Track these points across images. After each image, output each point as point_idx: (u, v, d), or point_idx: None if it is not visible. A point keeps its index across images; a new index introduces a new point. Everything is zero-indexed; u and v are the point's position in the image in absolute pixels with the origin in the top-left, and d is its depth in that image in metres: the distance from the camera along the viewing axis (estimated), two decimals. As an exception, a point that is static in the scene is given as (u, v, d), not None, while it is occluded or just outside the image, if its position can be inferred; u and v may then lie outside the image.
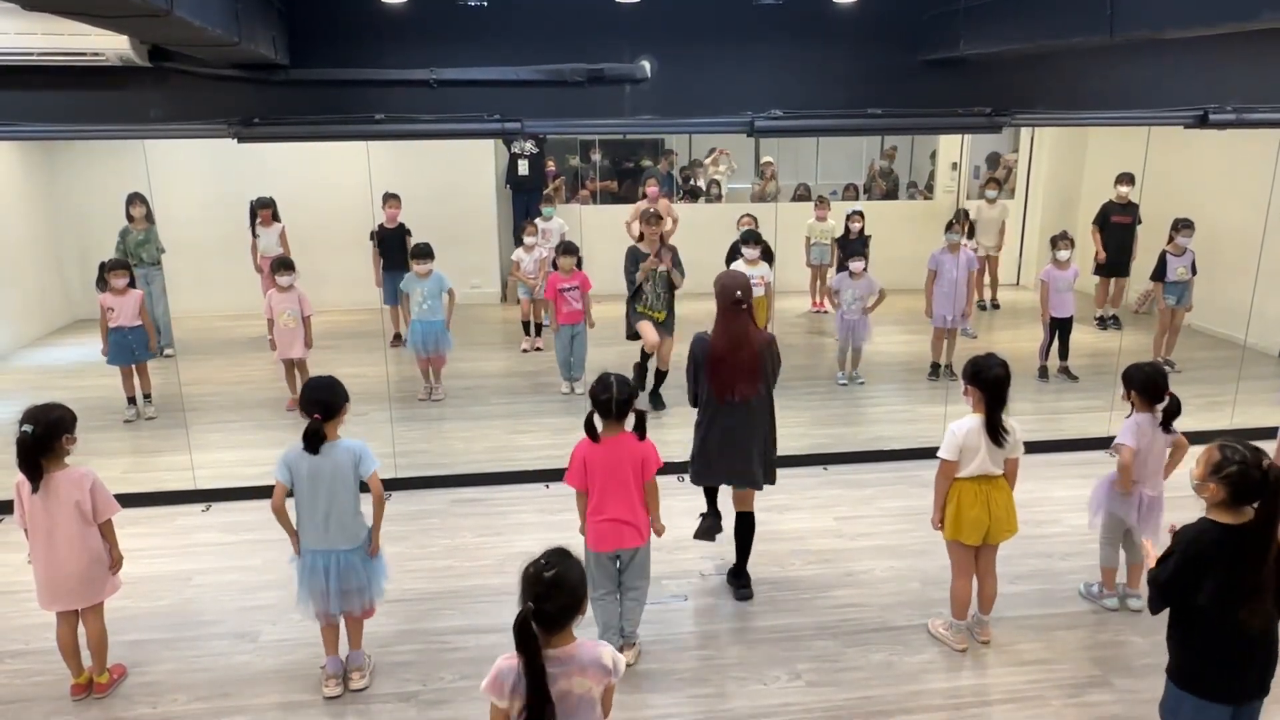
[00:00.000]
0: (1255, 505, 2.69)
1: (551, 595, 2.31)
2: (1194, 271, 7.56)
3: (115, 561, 3.78)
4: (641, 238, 6.73)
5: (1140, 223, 8.22)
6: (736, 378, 4.18)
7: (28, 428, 3.58)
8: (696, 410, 4.38)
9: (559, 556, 2.38)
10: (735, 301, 4.19)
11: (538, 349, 8.31)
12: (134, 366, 6.68)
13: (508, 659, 2.36)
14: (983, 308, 9.57)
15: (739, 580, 4.54)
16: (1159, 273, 7.61)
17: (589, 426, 3.79)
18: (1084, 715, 3.61)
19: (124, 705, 3.75)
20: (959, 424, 3.89)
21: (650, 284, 6.57)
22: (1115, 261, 8.38)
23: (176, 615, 4.41)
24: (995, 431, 3.82)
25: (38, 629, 4.28)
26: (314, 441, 3.60)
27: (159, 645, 4.17)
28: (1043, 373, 7.59)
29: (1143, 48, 5.06)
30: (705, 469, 4.41)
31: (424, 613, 4.34)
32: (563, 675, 2.35)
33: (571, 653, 2.37)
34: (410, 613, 4.34)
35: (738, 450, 4.28)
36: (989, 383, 3.80)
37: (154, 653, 4.12)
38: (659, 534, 3.92)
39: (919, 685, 3.83)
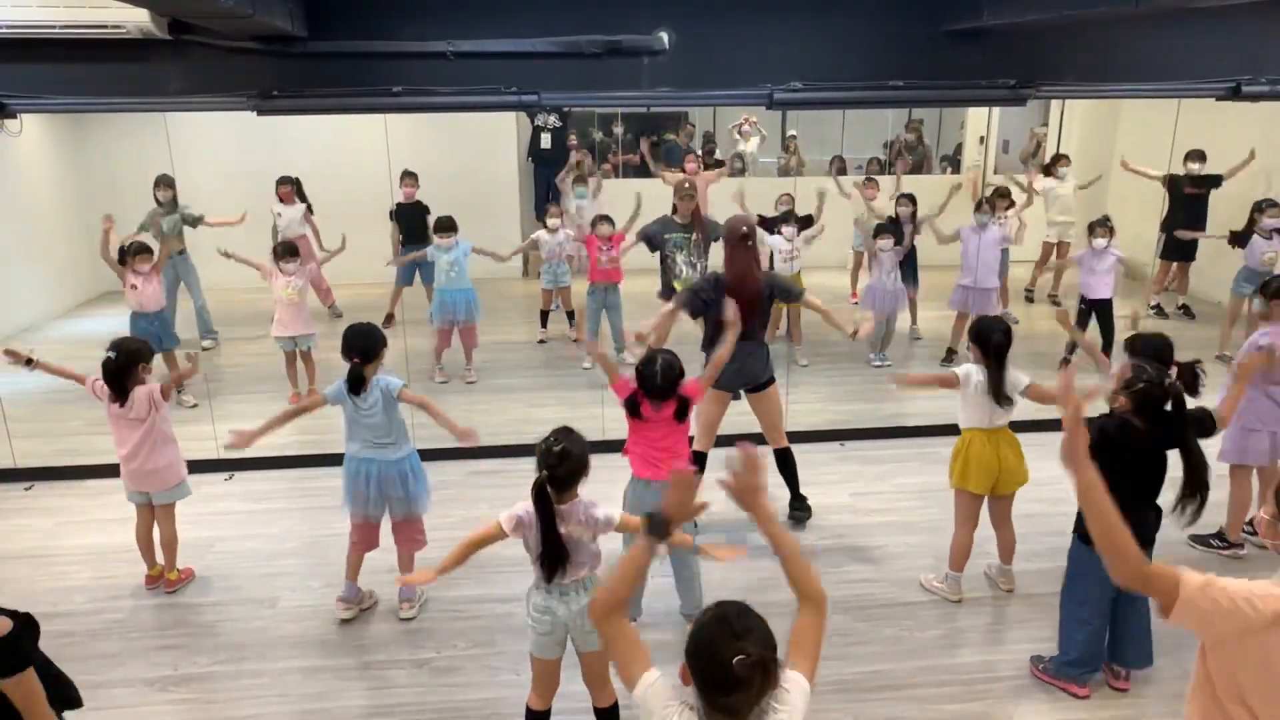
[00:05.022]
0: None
1: (560, 464, 2.88)
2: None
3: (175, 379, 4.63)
4: (675, 210, 6.69)
5: (1218, 185, 7.80)
6: (743, 307, 4.41)
7: (111, 354, 4.13)
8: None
9: (564, 433, 2.95)
10: (742, 237, 4.56)
11: (575, 340, 8.04)
12: (160, 356, 6.41)
13: (527, 508, 2.95)
14: (1056, 302, 9.00)
15: (795, 504, 4.96)
16: (1242, 241, 7.14)
17: (631, 405, 3.80)
18: (1093, 693, 3.60)
19: (147, 667, 3.85)
20: (968, 365, 4.09)
21: (683, 253, 6.52)
22: (1183, 243, 7.99)
23: (198, 580, 4.53)
24: (998, 393, 3.99)
25: (67, 592, 4.41)
26: (356, 384, 3.97)
27: (181, 609, 4.29)
28: (1066, 363, 7.18)
29: (1172, 18, 4.92)
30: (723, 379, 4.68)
31: (439, 581, 4.35)
32: (563, 523, 2.96)
33: (572, 507, 2.98)
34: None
35: (747, 370, 4.68)
36: (990, 347, 3.98)
37: (176, 616, 4.23)
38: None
39: (929, 660, 3.84)
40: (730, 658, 1.78)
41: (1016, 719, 3.50)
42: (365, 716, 3.57)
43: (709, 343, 4.64)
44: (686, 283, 6.44)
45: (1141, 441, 3.32)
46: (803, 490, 4.99)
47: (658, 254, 6.80)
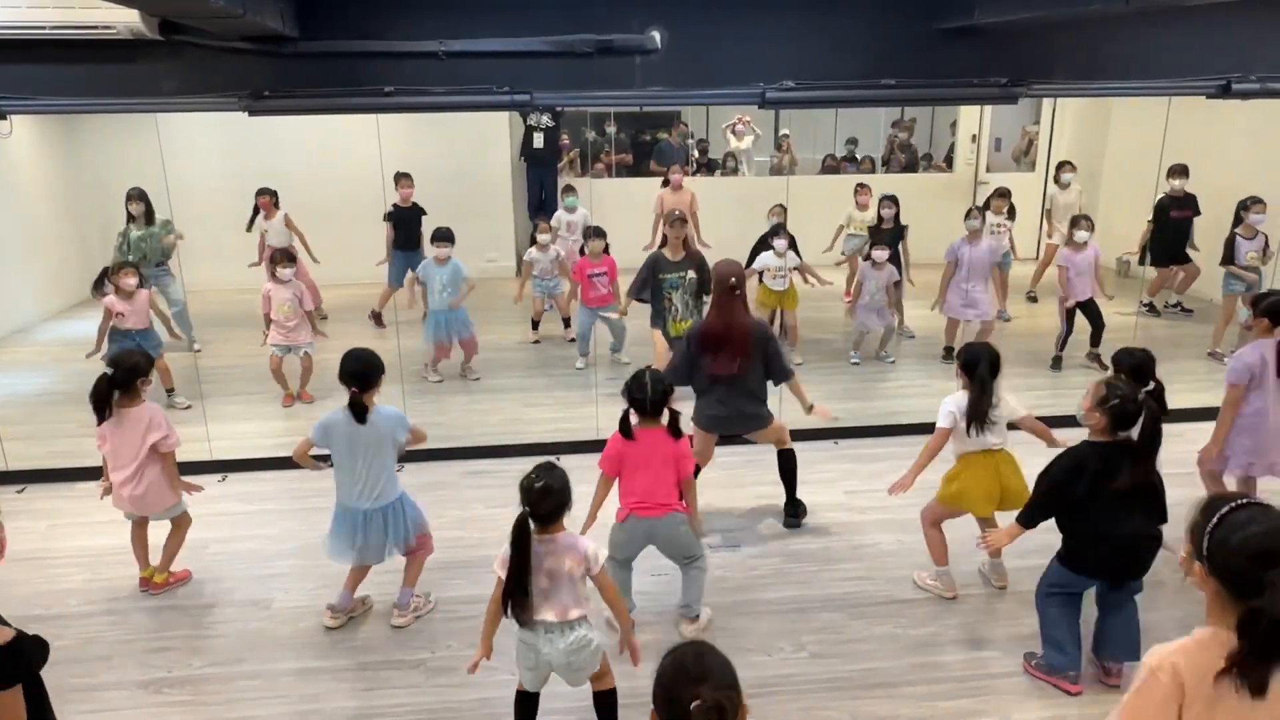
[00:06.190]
0: (1127, 432, 3.38)
1: (542, 500, 2.94)
2: (1266, 256, 7.05)
3: (186, 488, 4.38)
4: (665, 242, 6.52)
5: (1199, 214, 7.89)
6: (727, 357, 4.56)
7: (109, 370, 4.09)
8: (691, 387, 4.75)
9: (546, 470, 3.00)
10: (730, 288, 4.57)
11: (572, 339, 8.12)
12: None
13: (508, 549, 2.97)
14: (1034, 300, 9.07)
15: (790, 509, 4.97)
16: (1228, 257, 7.17)
17: (624, 424, 3.82)
18: (1089, 689, 3.61)
19: (140, 669, 3.84)
20: (954, 397, 4.08)
21: (680, 293, 6.44)
22: (1174, 251, 8.04)
23: (192, 582, 4.51)
24: (979, 417, 3.99)
25: (61, 594, 4.40)
26: (359, 413, 3.83)
27: (175, 612, 4.27)
28: (1056, 363, 7.28)
29: (1163, 16, 4.95)
30: (709, 423, 4.75)
31: (434, 582, 4.39)
32: (550, 555, 3.00)
33: (556, 540, 3.01)
34: (421, 582, 4.38)
35: (737, 414, 4.72)
36: (975, 375, 3.99)
37: (170, 619, 4.21)
38: (698, 536, 3.99)
39: (924, 657, 3.84)
40: (689, 703, 1.79)
41: (1013, 715, 3.51)
42: (361, 717, 3.56)
43: (679, 379, 4.60)
44: (684, 324, 6.38)
45: (1119, 461, 3.38)
46: (798, 488, 4.99)
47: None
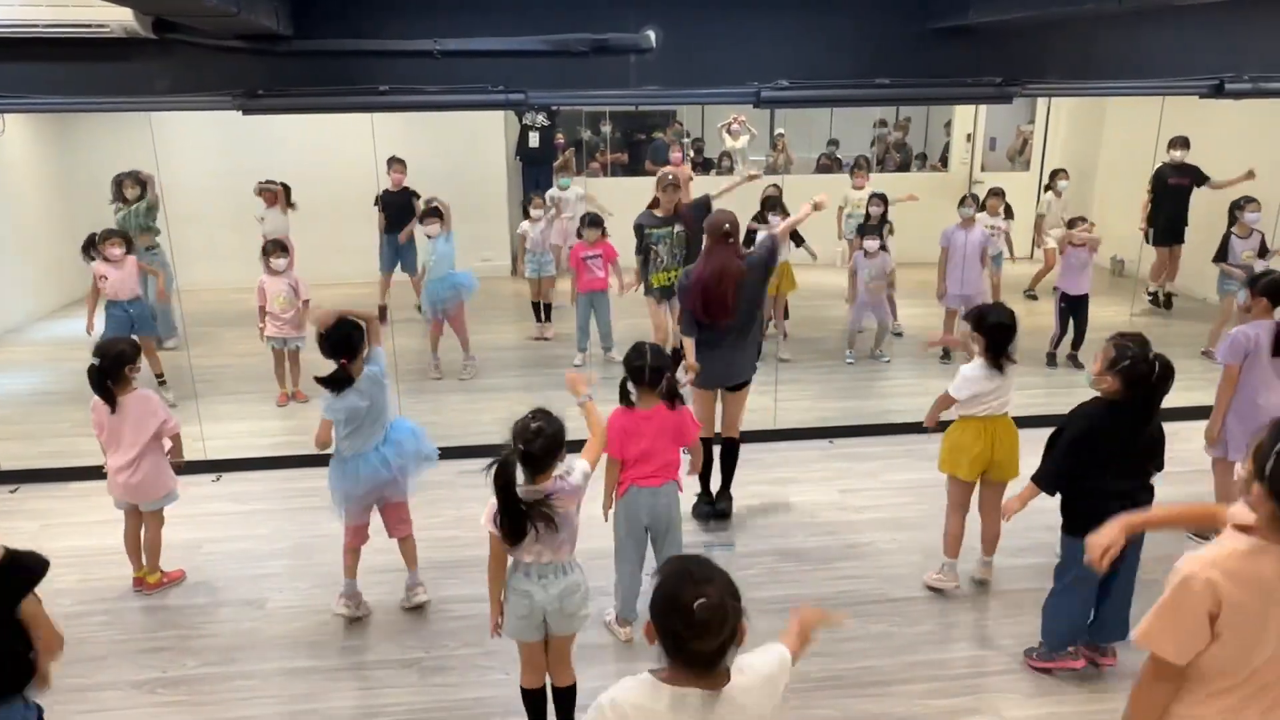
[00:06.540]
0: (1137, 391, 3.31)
1: (535, 439, 2.88)
2: (1264, 254, 7.00)
3: (177, 453, 4.45)
4: (656, 203, 6.60)
5: (1199, 184, 7.87)
6: (718, 306, 4.52)
7: (95, 359, 4.11)
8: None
9: (541, 412, 2.96)
10: (724, 234, 4.53)
11: (546, 338, 8.19)
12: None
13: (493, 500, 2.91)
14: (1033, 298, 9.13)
15: (719, 500, 4.88)
16: (1221, 255, 7.17)
17: (623, 393, 3.82)
18: (1082, 686, 3.62)
19: (134, 669, 3.83)
20: (971, 367, 4.05)
21: (665, 245, 6.49)
22: (1172, 229, 8.02)
23: (186, 583, 4.50)
24: (1000, 354, 3.99)
25: (54, 595, 4.31)
26: (342, 385, 3.82)
27: (169, 611, 4.27)
28: (1051, 359, 7.31)
29: (1157, 15, 4.96)
30: (708, 379, 4.72)
31: (429, 581, 4.38)
32: (552, 505, 2.93)
33: (549, 487, 2.95)
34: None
35: (726, 363, 4.68)
36: (990, 329, 3.97)
37: (164, 619, 4.21)
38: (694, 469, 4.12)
39: (917, 656, 3.85)
40: (691, 602, 1.78)
41: (1005, 712, 3.52)
42: (355, 717, 3.56)
43: (691, 327, 4.68)
44: (668, 272, 6.41)
45: (1130, 421, 3.37)
46: (792, 486, 5.00)
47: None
